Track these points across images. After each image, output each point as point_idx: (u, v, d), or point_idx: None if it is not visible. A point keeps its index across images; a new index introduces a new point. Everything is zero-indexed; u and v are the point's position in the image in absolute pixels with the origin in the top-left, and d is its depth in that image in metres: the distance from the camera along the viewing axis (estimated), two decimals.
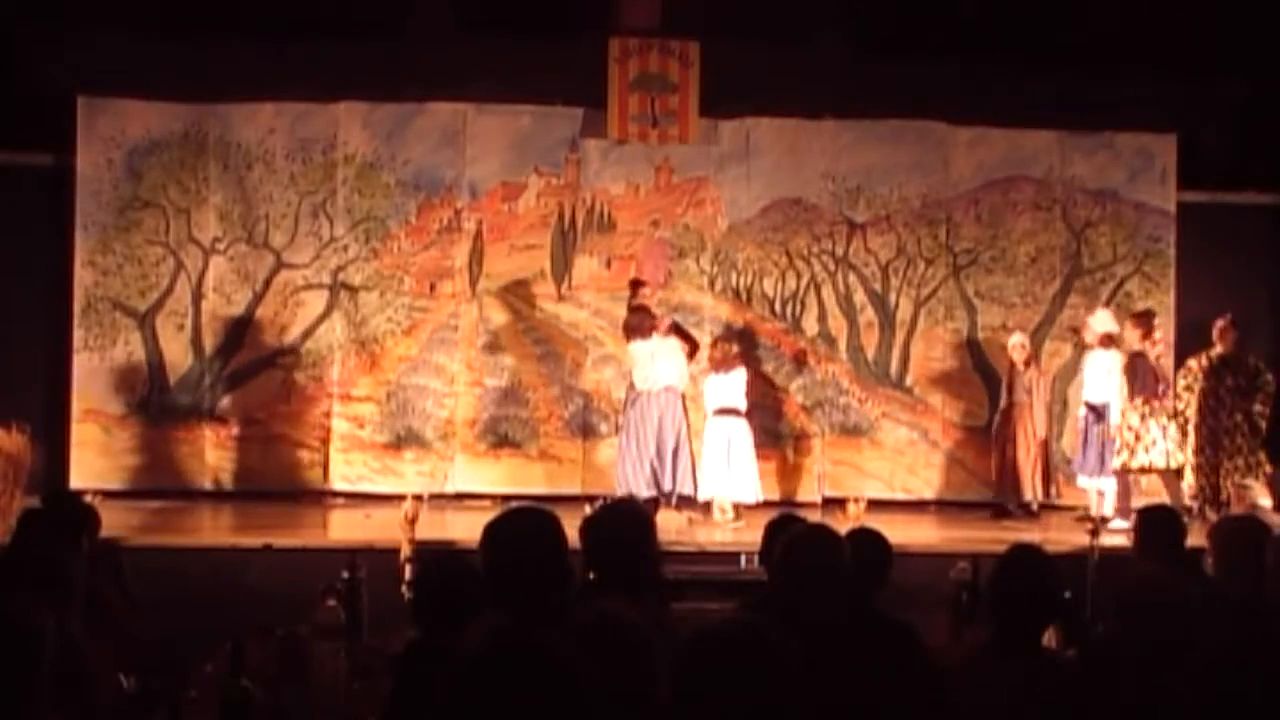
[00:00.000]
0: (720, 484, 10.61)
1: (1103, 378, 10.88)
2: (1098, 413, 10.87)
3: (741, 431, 10.68)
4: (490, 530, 3.94)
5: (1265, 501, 8.61)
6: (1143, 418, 10.53)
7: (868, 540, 4.91)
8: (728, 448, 10.60)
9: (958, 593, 5.96)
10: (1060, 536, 10.00)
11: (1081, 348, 11.54)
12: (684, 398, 10.82)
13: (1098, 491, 10.90)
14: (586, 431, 11.95)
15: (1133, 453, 10.51)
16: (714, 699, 2.72)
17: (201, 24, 11.25)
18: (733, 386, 10.73)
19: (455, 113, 11.96)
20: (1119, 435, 10.58)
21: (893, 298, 12.20)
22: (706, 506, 10.70)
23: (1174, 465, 10.60)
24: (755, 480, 10.72)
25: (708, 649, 2.80)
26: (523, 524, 3.99)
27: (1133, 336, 10.78)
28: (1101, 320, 11.17)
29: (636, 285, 11.27)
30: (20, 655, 3.40)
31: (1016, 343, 11.40)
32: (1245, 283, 12.28)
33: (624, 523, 4.37)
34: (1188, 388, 11.12)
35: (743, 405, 10.73)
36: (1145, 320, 10.85)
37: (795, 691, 2.77)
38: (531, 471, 11.86)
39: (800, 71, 11.78)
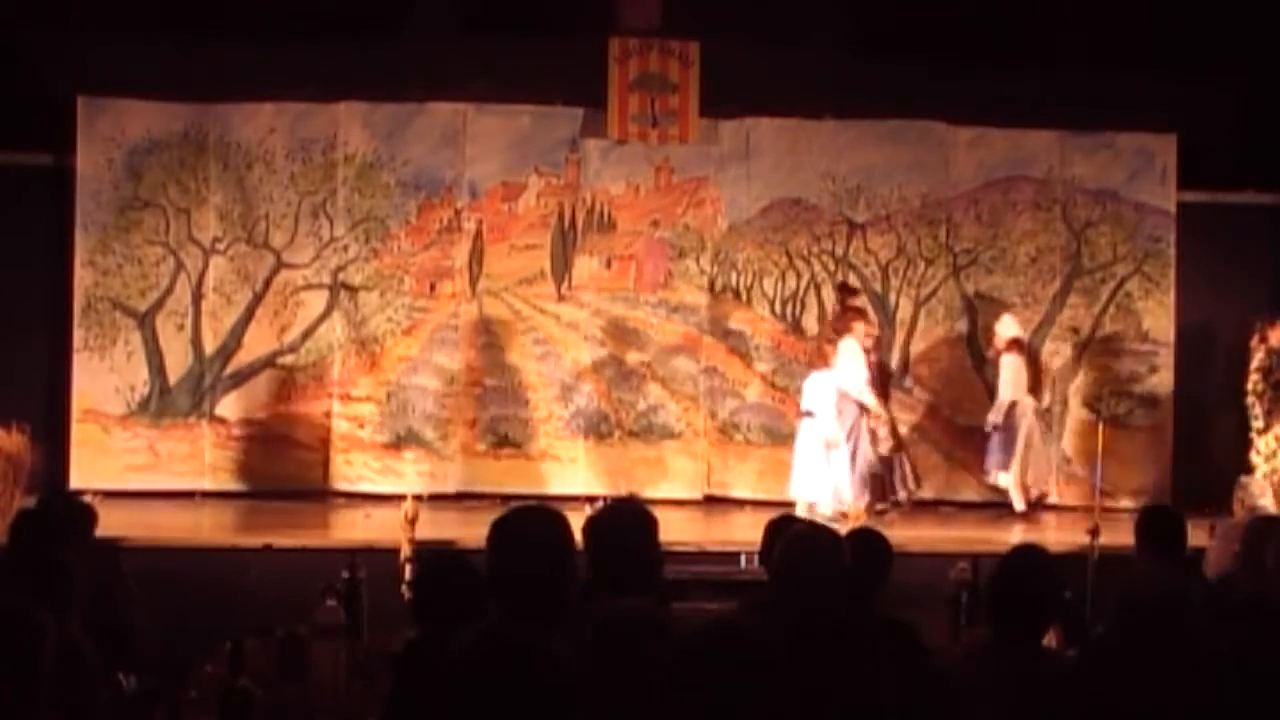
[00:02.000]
0: (801, 486, 10.69)
1: (1012, 380, 11.23)
2: (1009, 413, 11.25)
3: (811, 433, 10.66)
4: (499, 528, 3.91)
5: (1265, 500, 8.63)
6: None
7: (868, 540, 4.91)
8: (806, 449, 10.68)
9: (958, 593, 5.97)
10: (1060, 537, 10.02)
11: (996, 354, 11.59)
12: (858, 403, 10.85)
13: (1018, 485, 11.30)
14: (586, 431, 11.95)
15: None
16: (700, 700, 2.72)
17: (202, 24, 11.24)
18: (816, 387, 10.76)
19: (455, 113, 11.95)
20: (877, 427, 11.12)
21: (893, 298, 12.19)
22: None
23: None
24: (822, 482, 10.62)
25: (694, 650, 2.80)
26: (532, 522, 3.97)
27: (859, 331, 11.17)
28: (1007, 326, 11.46)
29: (847, 290, 11.44)
30: (20, 654, 3.40)
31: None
32: (1245, 283, 12.27)
33: (627, 523, 4.36)
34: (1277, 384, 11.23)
35: (818, 408, 10.66)
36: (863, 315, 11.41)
37: (782, 690, 2.77)
38: (531, 471, 11.85)
39: (800, 71, 11.77)
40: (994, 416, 11.37)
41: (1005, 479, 11.33)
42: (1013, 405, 11.30)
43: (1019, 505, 11.22)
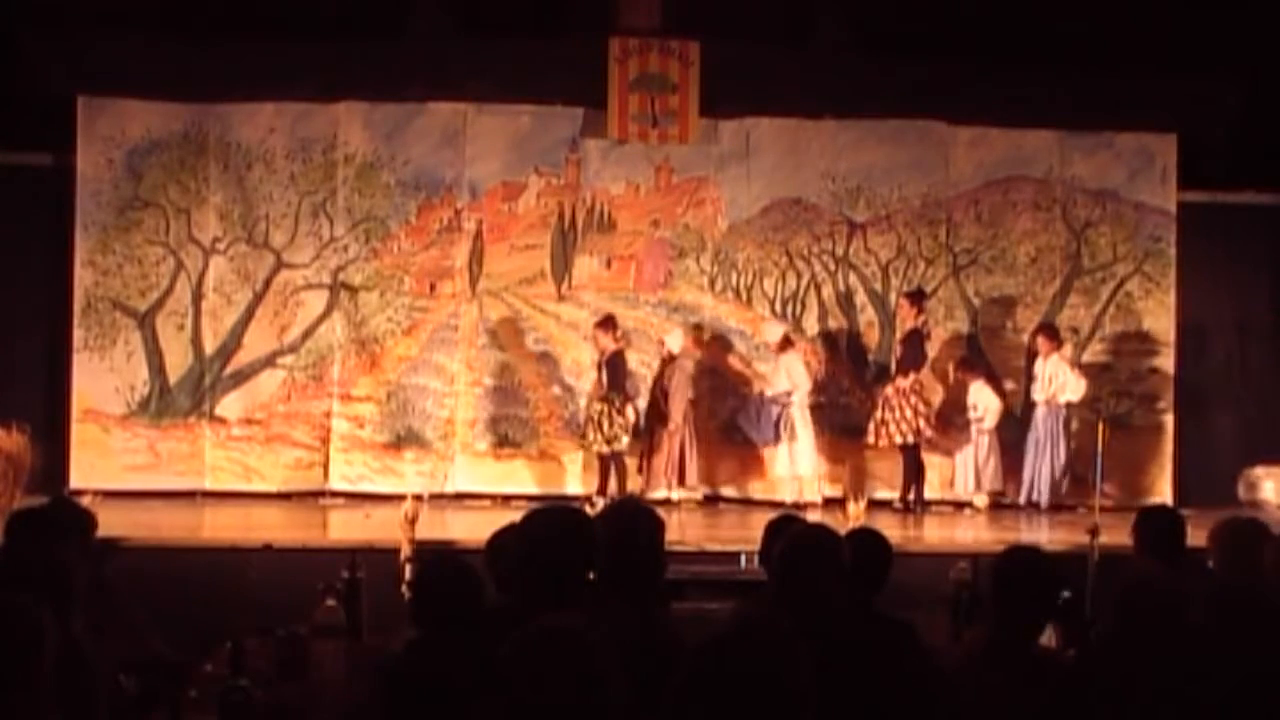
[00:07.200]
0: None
1: (783, 375, 11.52)
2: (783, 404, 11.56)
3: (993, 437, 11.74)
4: (529, 523, 3.92)
5: (1268, 491, 8.66)
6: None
7: (868, 540, 4.91)
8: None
9: (958, 593, 5.97)
10: (1060, 536, 10.02)
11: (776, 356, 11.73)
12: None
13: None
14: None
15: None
16: (730, 700, 2.72)
17: (201, 24, 11.25)
18: (989, 397, 11.74)
19: (455, 113, 11.95)
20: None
21: (893, 298, 12.19)
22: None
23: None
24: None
25: (727, 650, 2.80)
26: (565, 521, 3.99)
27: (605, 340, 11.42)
28: (773, 330, 11.73)
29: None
30: (20, 654, 3.40)
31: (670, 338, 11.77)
32: (1245, 283, 12.29)
33: (633, 522, 4.35)
34: None
35: (973, 413, 11.71)
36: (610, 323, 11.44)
37: (810, 692, 2.78)
38: (531, 471, 11.86)
39: (800, 71, 11.78)
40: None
41: (802, 468, 11.59)
42: (777, 399, 11.52)
43: (789, 496, 11.36)
